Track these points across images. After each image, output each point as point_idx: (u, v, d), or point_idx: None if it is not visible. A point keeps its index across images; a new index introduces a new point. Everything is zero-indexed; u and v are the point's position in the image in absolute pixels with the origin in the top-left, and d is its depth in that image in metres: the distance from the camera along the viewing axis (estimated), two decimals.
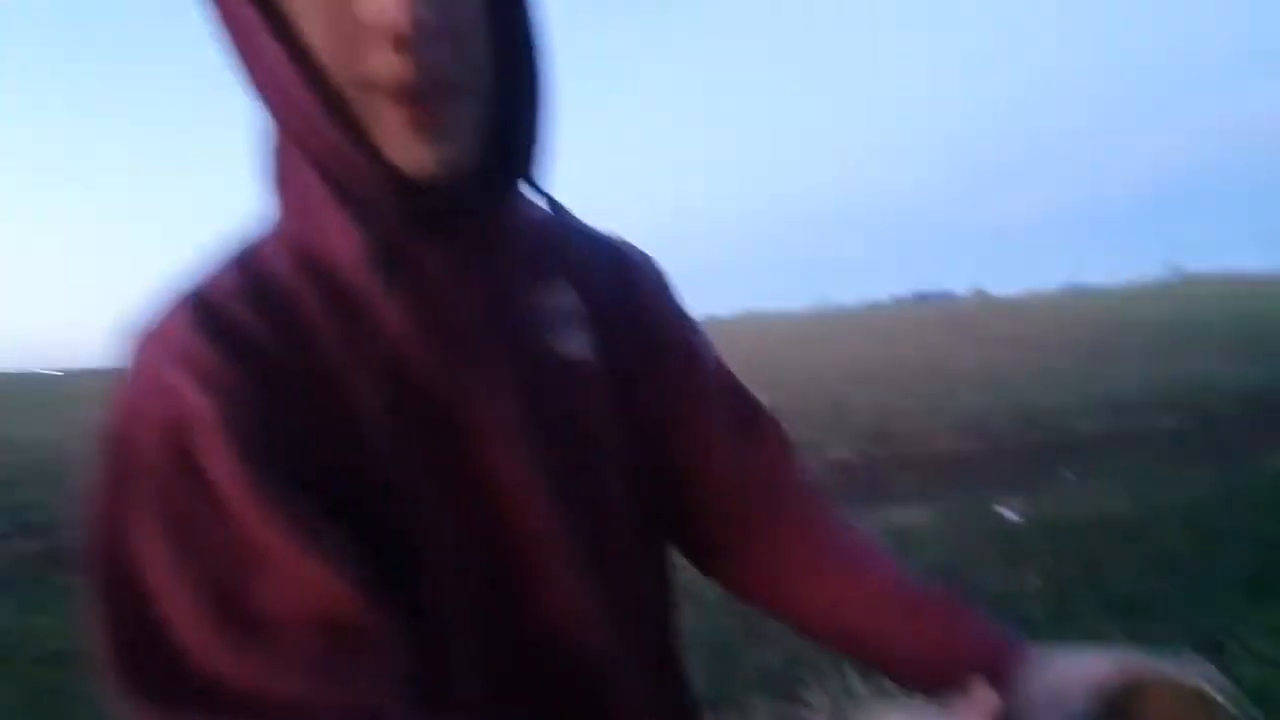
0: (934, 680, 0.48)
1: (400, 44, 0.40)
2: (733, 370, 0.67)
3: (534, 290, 0.55)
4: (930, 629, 0.55)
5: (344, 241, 0.45)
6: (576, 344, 0.56)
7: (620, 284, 0.61)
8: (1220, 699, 0.43)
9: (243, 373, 0.42)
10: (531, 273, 0.55)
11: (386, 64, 0.41)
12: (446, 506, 0.48)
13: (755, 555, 0.63)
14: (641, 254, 0.66)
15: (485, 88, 0.46)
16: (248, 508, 0.40)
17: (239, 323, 0.44)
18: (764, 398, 0.69)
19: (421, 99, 0.42)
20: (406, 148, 0.43)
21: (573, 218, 0.60)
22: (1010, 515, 4.29)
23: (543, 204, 0.55)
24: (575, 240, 0.60)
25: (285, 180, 0.48)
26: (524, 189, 0.52)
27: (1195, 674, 0.44)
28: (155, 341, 0.44)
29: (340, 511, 0.42)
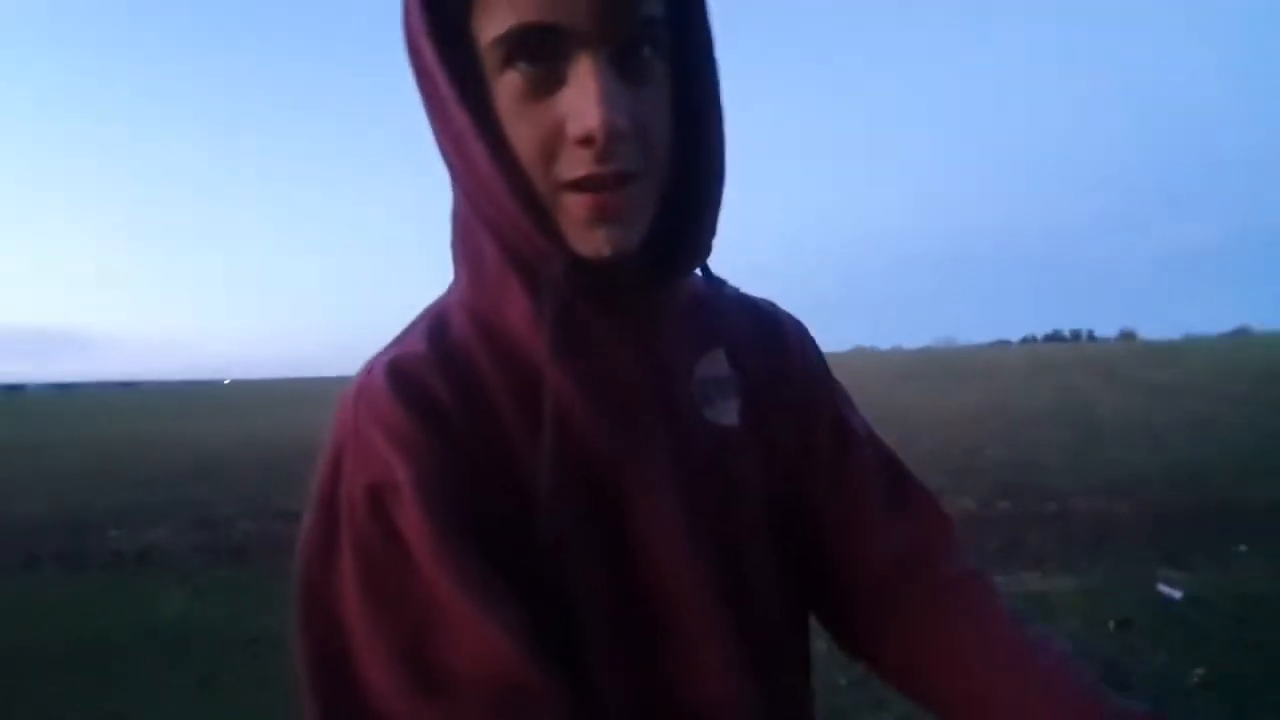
0: None
1: (591, 145, 0.43)
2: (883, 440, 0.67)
3: (693, 360, 0.57)
4: None
5: (517, 308, 0.49)
6: (728, 412, 0.58)
7: (773, 352, 0.63)
8: None
9: (433, 438, 0.46)
10: (691, 343, 0.58)
11: (578, 161, 0.44)
12: (601, 564, 0.50)
13: (899, 636, 0.60)
14: (793, 321, 0.67)
15: (664, 171, 0.49)
16: (437, 571, 0.43)
17: (429, 389, 0.48)
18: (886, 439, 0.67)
19: (603, 189, 0.45)
20: (585, 233, 0.46)
21: (729, 287, 0.63)
22: (1170, 591, 3.83)
23: (702, 277, 0.58)
24: (731, 309, 0.62)
25: (468, 252, 0.52)
26: (691, 267, 0.54)
27: None
28: (360, 404, 0.48)
29: (510, 568, 0.46)
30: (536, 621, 0.45)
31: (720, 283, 0.62)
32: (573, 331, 0.48)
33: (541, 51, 0.44)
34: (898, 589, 0.60)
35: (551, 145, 0.45)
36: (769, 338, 0.63)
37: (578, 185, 0.45)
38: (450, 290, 0.55)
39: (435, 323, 0.53)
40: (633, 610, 0.51)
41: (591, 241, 0.46)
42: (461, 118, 0.45)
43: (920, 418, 12.12)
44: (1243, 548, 4.55)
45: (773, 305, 0.67)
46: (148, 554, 5.73)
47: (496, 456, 0.48)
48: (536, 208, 0.46)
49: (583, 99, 0.43)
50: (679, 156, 0.50)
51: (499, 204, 0.46)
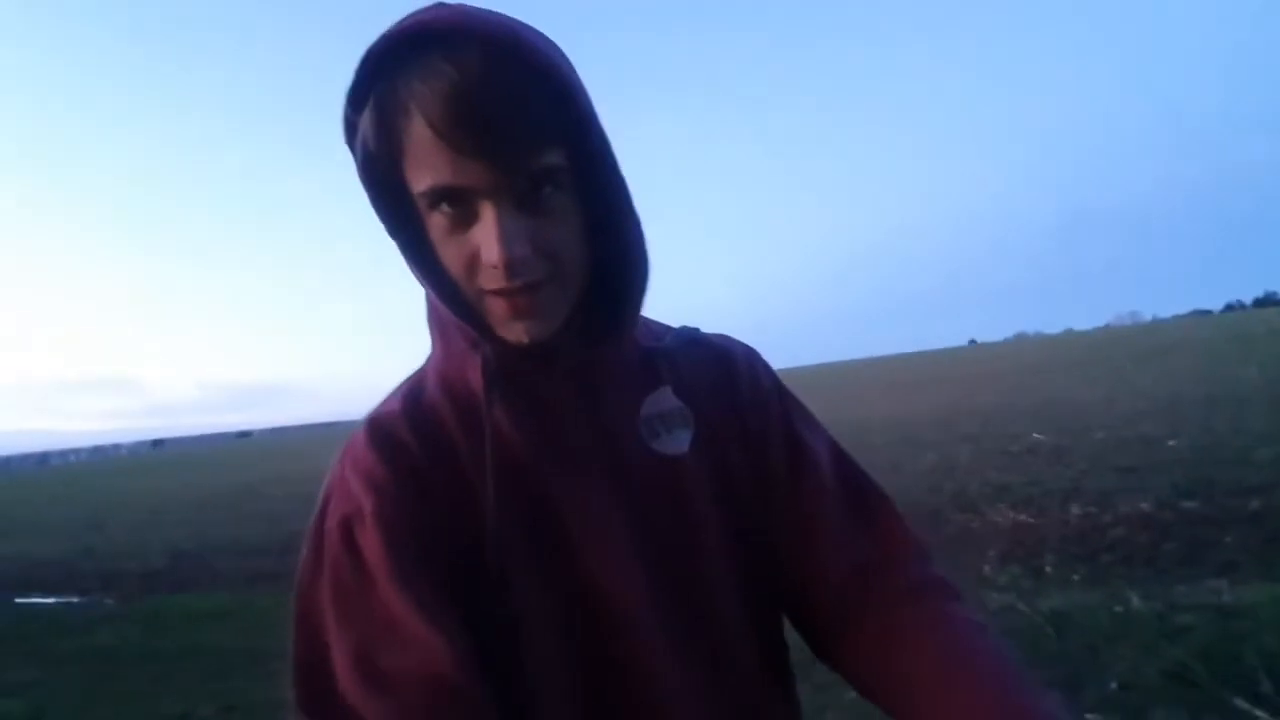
0: None
1: (498, 269, 0.54)
2: (847, 452, 0.72)
3: (639, 399, 0.65)
4: None
5: (471, 370, 0.60)
6: (677, 442, 0.65)
7: (721, 381, 0.69)
8: None
9: (397, 478, 0.57)
10: (637, 385, 0.66)
11: (493, 277, 0.55)
12: (548, 589, 0.58)
13: (862, 640, 0.63)
14: (743, 348, 0.73)
15: (578, 270, 0.58)
16: (390, 588, 0.53)
17: (398, 439, 0.60)
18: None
19: (516, 295, 0.55)
20: (506, 326, 0.57)
21: (680, 330, 0.72)
22: None
23: (652, 326, 0.70)
24: (679, 349, 0.69)
25: (438, 328, 0.64)
26: (630, 322, 0.63)
27: None
28: (345, 455, 0.60)
29: (459, 592, 0.55)
30: (483, 637, 0.54)
31: (667, 328, 0.71)
32: (515, 390, 0.60)
33: (455, 199, 0.54)
34: (857, 600, 0.64)
35: (473, 265, 0.55)
36: (717, 369, 0.70)
37: (496, 293, 0.56)
38: (428, 358, 0.66)
39: (412, 385, 0.64)
40: (578, 627, 0.58)
41: (513, 332, 0.57)
42: (400, 244, 0.58)
43: (1090, 408, 10.96)
44: None
45: (723, 337, 0.74)
46: None
47: (455, 495, 0.58)
48: (466, 305, 0.58)
49: (487, 237, 0.54)
50: (605, 252, 0.60)
51: (439, 306, 0.59)
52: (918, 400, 15.54)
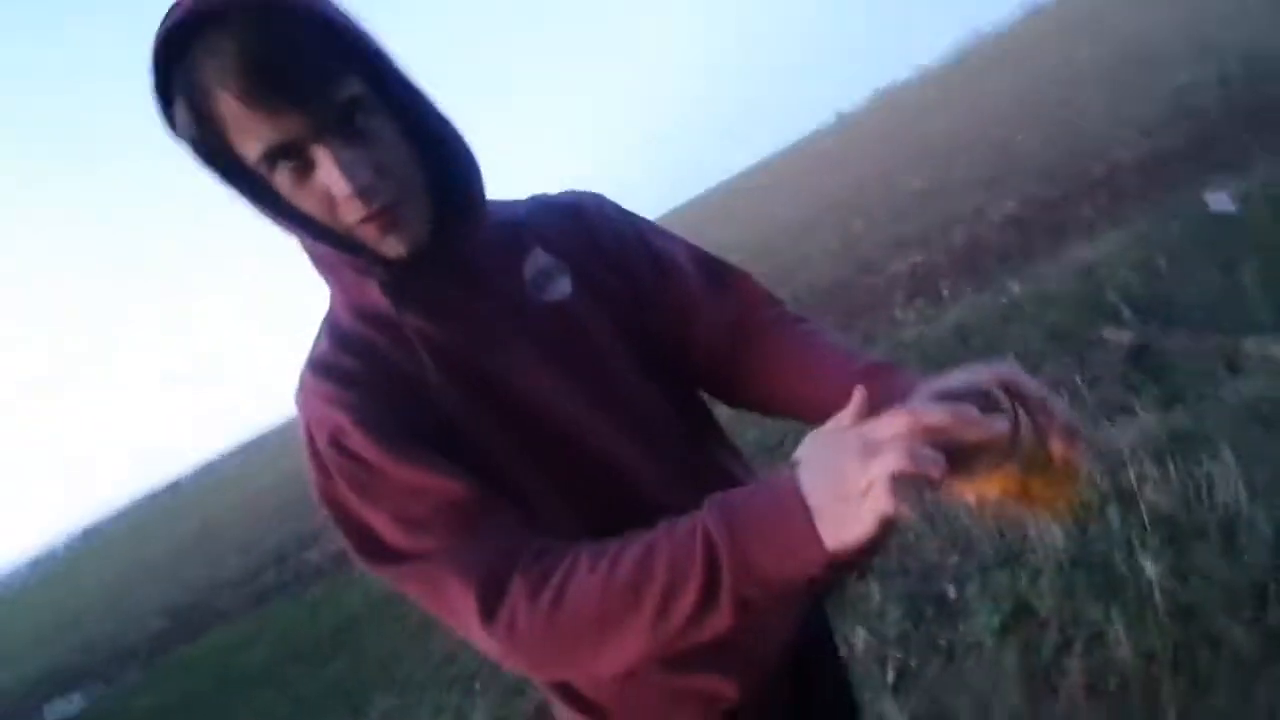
0: None
1: (353, 200, 0.62)
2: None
3: (520, 264, 0.77)
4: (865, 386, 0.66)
5: (370, 292, 0.69)
6: (561, 287, 0.77)
7: (578, 228, 0.82)
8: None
9: (355, 390, 0.68)
10: (511, 254, 0.77)
11: (352, 209, 0.63)
12: (508, 429, 0.70)
13: (744, 372, 0.83)
14: (590, 195, 0.87)
15: (418, 174, 0.67)
16: (393, 467, 0.65)
17: (341, 364, 0.70)
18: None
19: (379, 217, 0.64)
20: (382, 245, 0.66)
21: (527, 200, 0.85)
22: (1221, 205, 3.75)
23: (499, 203, 0.78)
24: (535, 214, 0.82)
25: (327, 269, 0.72)
26: (480, 209, 0.72)
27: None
28: (304, 397, 0.70)
29: (439, 450, 0.66)
30: (465, 470, 0.65)
31: (515, 202, 0.83)
32: (414, 293, 0.69)
33: (287, 154, 0.61)
34: (731, 346, 0.83)
35: (330, 204, 0.63)
36: (572, 220, 0.83)
37: (362, 222, 0.64)
38: (331, 298, 0.75)
39: (330, 326, 0.74)
40: (534, 440, 0.71)
41: (390, 248, 0.66)
42: (262, 210, 0.64)
43: (952, 138, 11.48)
44: None
45: (568, 193, 0.87)
46: None
47: (402, 387, 0.68)
48: (342, 240, 0.66)
49: (331, 176, 0.61)
50: (434, 155, 0.68)
51: (319, 250, 0.68)
52: (804, 191, 15.97)
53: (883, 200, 9.41)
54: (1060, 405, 0.58)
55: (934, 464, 0.50)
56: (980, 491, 0.55)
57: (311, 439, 0.69)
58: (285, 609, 5.90)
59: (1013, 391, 0.57)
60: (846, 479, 0.52)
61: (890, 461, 0.50)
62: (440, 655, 3.47)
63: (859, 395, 0.57)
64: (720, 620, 0.58)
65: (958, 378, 0.60)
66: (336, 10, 0.63)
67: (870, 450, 0.51)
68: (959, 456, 0.52)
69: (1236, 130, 4.84)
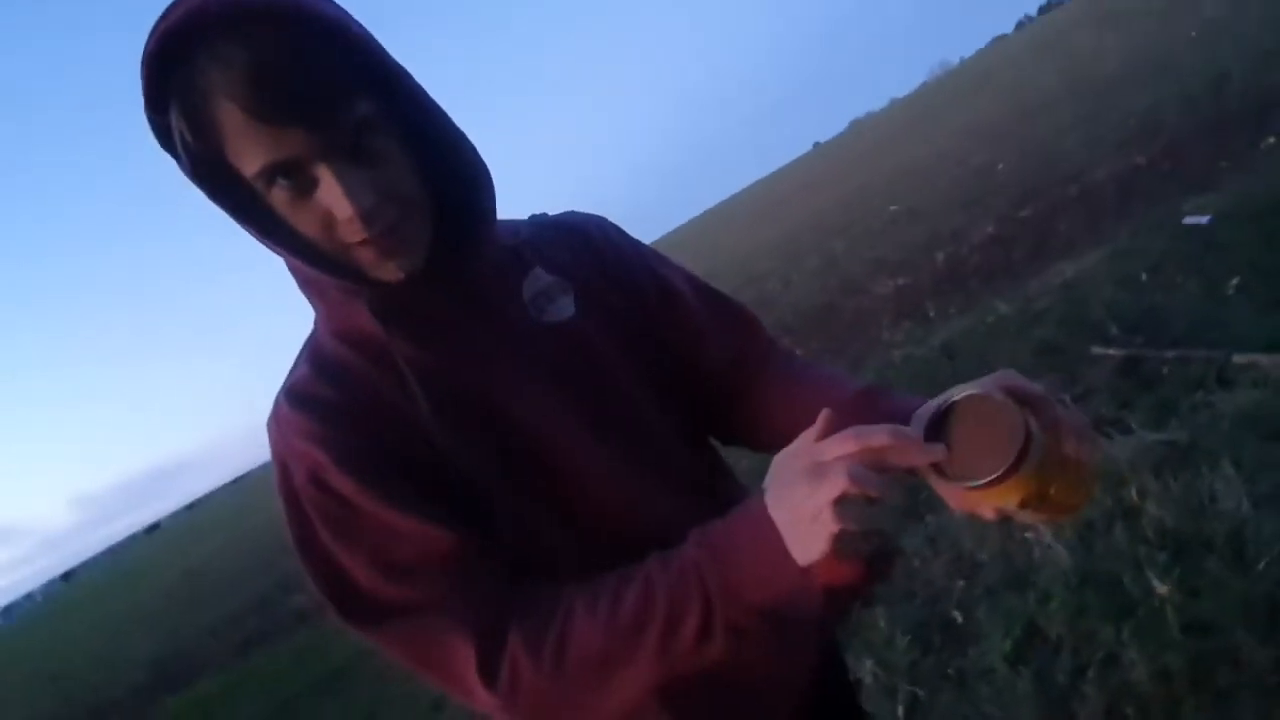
0: None
1: (354, 222, 0.58)
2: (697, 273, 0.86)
3: (519, 285, 0.73)
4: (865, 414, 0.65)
5: (358, 316, 0.65)
6: (563, 308, 0.73)
7: (582, 249, 0.79)
8: (1003, 399, 0.55)
9: (336, 428, 0.62)
10: (511, 275, 0.73)
11: (353, 231, 0.59)
12: (501, 460, 0.65)
13: (741, 405, 0.81)
14: (592, 217, 0.84)
15: (423, 200, 0.63)
16: (374, 507, 0.61)
17: (319, 394, 0.64)
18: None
19: (378, 241, 0.60)
20: (379, 269, 0.62)
21: (532, 220, 0.81)
22: (1196, 219, 3.81)
23: (504, 224, 0.75)
24: (539, 234, 0.78)
25: (314, 290, 0.67)
26: (488, 227, 0.68)
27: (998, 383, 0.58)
28: (279, 427, 0.64)
29: (427, 489, 0.62)
30: (454, 511, 0.61)
31: (514, 222, 0.79)
32: (405, 318, 0.64)
33: (288, 171, 0.57)
34: (736, 378, 0.81)
35: (329, 224, 0.59)
36: (574, 239, 0.80)
37: (360, 244, 0.60)
38: (315, 321, 0.70)
39: (311, 349, 0.69)
40: (535, 478, 0.66)
41: (386, 272, 0.62)
42: (252, 229, 0.60)
43: (928, 164, 11.69)
44: (1271, 140, 4.42)
45: (570, 213, 0.84)
46: None
47: (388, 419, 0.63)
48: (332, 261, 0.61)
49: (334, 197, 0.57)
50: (444, 174, 0.65)
51: (308, 272, 0.62)
52: (786, 216, 16.16)
53: (861, 225, 9.53)
54: (1068, 407, 0.57)
55: (875, 485, 0.51)
56: (998, 502, 0.55)
57: (287, 476, 0.63)
58: (270, 657, 5.71)
59: (1018, 398, 0.56)
60: (797, 501, 0.53)
61: (832, 485, 0.51)
62: (428, 702, 3.36)
63: (824, 415, 0.56)
64: (714, 650, 0.58)
65: (959, 392, 0.58)
66: (353, 25, 0.59)
67: (817, 473, 0.53)
68: (968, 469, 0.53)
69: (1204, 145, 4.96)
